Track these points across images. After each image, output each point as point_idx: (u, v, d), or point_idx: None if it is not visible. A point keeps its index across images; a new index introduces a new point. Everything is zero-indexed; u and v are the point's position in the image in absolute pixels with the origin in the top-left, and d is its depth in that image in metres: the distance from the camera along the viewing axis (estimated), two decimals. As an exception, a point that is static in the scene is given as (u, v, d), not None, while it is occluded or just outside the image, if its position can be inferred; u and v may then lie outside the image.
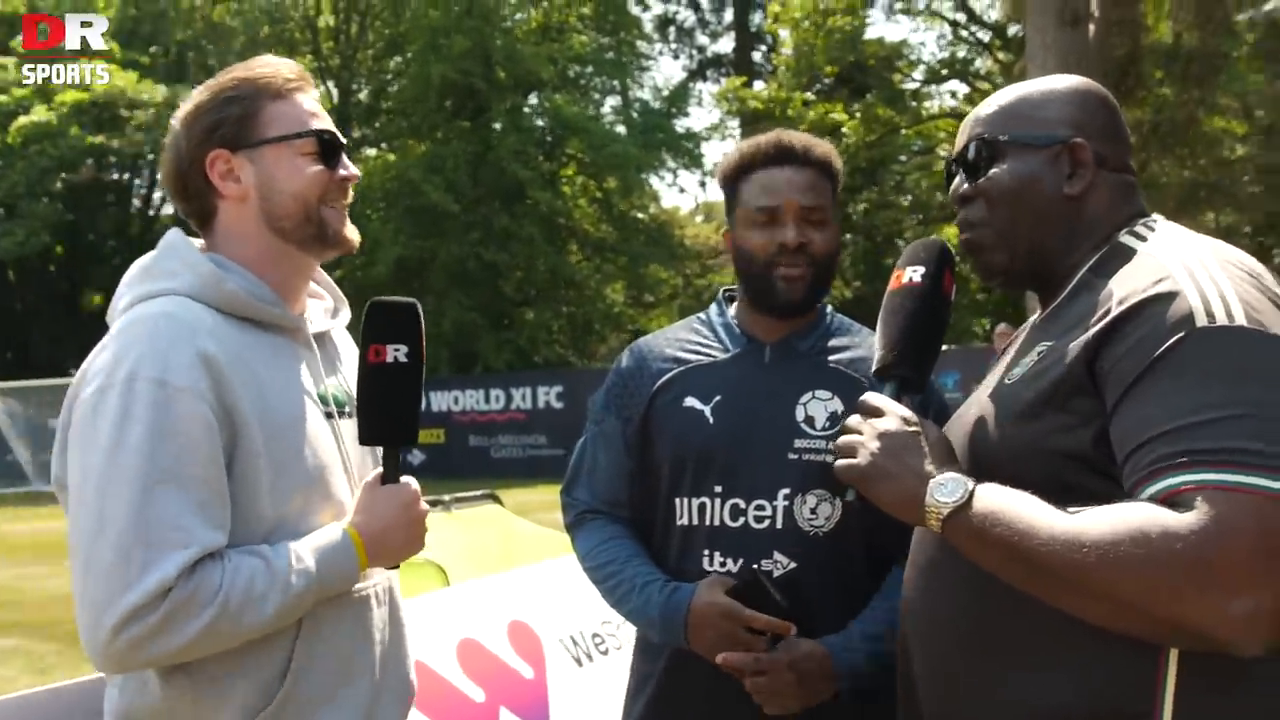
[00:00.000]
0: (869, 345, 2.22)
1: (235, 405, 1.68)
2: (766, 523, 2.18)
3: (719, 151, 45.36)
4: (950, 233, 30.27)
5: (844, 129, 27.03)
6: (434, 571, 4.78)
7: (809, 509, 2.18)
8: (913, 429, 1.63)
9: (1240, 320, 1.41)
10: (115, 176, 34.14)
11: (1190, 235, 1.63)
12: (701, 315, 2.43)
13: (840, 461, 1.67)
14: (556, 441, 21.08)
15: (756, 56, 38.60)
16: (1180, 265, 1.50)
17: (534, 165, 27.82)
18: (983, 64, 30.34)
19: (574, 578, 4.75)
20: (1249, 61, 20.56)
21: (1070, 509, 1.42)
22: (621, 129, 31.55)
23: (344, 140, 1.88)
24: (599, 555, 2.33)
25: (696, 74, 41.87)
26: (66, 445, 1.70)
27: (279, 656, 1.74)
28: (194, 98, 1.85)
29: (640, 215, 32.61)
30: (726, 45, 41.55)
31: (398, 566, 1.90)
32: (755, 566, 2.15)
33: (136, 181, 35.18)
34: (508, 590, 4.18)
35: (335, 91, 32.63)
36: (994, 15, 29.40)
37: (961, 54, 30.44)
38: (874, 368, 1.84)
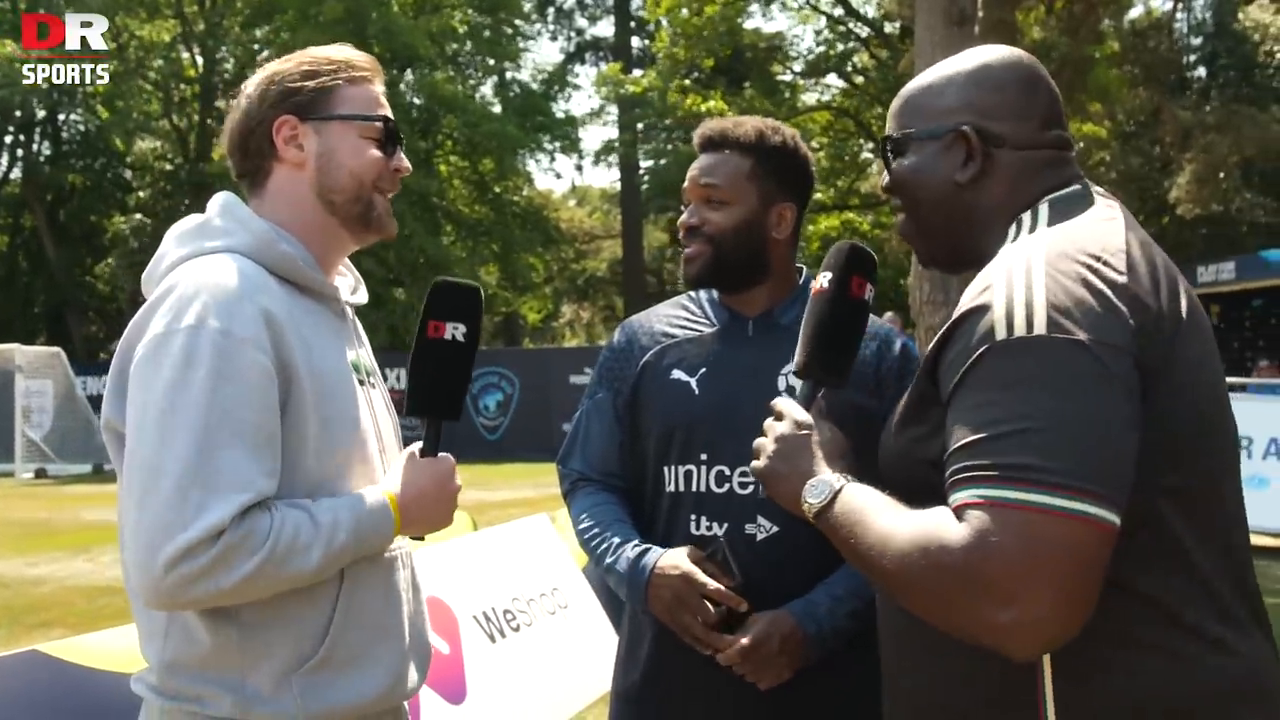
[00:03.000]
0: None
1: (289, 361, 1.73)
2: (750, 488, 2.24)
3: (598, 138, 45.26)
4: (827, 224, 30.98)
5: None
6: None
7: None
8: (804, 432, 1.72)
9: (1039, 329, 1.41)
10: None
11: (1056, 229, 1.59)
12: (690, 293, 2.51)
13: (750, 464, 1.79)
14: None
15: (636, 42, 38.71)
16: (1004, 271, 1.50)
17: (408, 144, 27.32)
18: (860, 59, 30.92)
19: (486, 555, 4.75)
20: (1110, 69, 21.41)
21: (902, 516, 1.47)
22: (498, 109, 31.29)
23: (402, 137, 1.98)
24: (586, 519, 2.39)
25: (575, 57, 41.83)
26: (120, 390, 1.73)
27: (323, 611, 1.79)
28: (270, 67, 1.93)
29: (515, 198, 32.42)
30: (606, 29, 41.65)
31: (423, 537, 1.94)
32: (721, 539, 2.22)
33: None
34: (422, 566, 4.12)
35: (200, 59, 31.62)
36: (870, 11, 29.99)
37: (840, 48, 30.96)
38: (793, 369, 1.93)
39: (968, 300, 1.51)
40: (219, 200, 1.89)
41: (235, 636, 1.72)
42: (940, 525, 1.39)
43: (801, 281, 2.42)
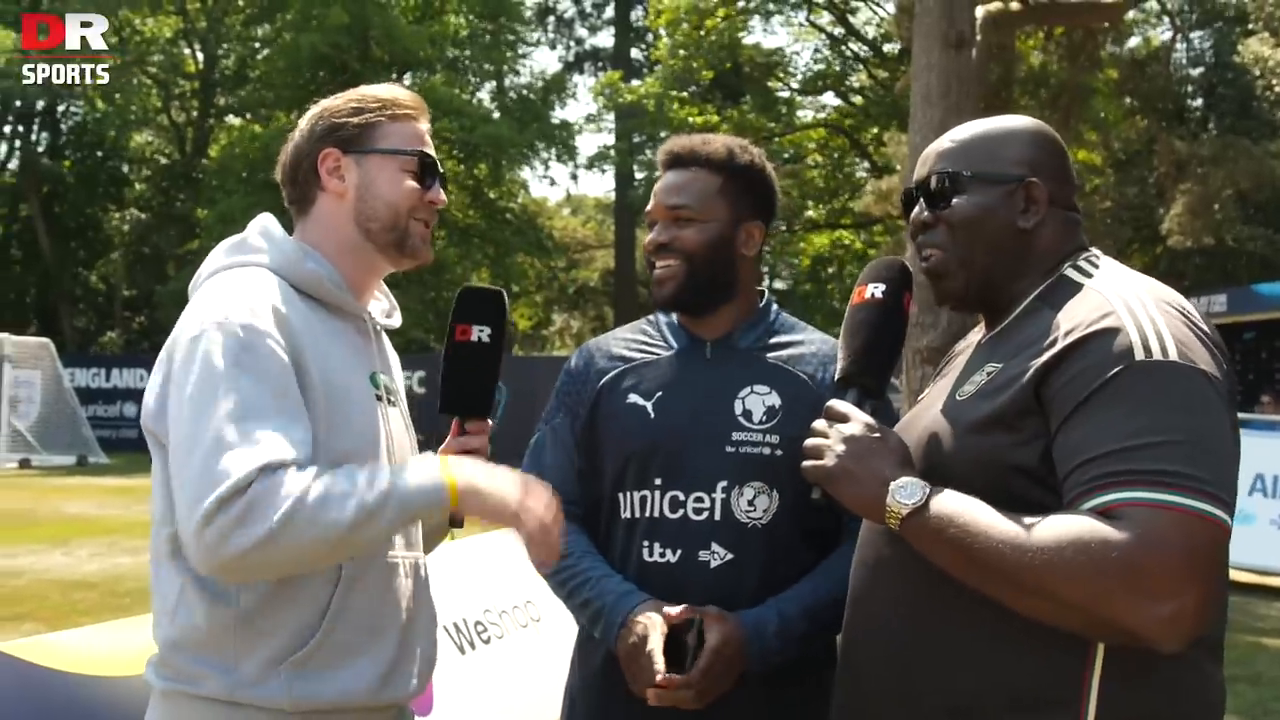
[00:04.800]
0: (811, 341, 2.38)
1: (302, 362, 1.84)
2: (705, 514, 2.22)
3: (593, 145, 45.26)
4: (819, 242, 31.01)
5: (718, 133, 27.25)
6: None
7: (746, 501, 2.22)
8: (876, 435, 1.75)
9: (1173, 356, 1.57)
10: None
11: (1130, 273, 1.78)
12: (650, 317, 2.48)
13: (807, 463, 1.78)
14: (417, 426, 20.74)
15: (635, 53, 38.77)
16: (1122, 302, 1.65)
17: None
18: (857, 79, 30.99)
19: (458, 565, 4.71)
20: (1108, 97, 21.48)
21: (1016, 516, 1.56)
22: (496, 115, 31.30)
23: (442, 169, 2.10)
24: None
25: (574, 66, 41.88)
26: (160, 390, 1.85)
27: (318, 607, 1.86)
28: (324, 103, 2.08)
29: (509, 205, 32.42)
30: (606, 39, 41.69)
31: (461, 524, 1.97)
32: (698, 622, 2.10)
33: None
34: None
35: (200, 56, 31.62)
36: (870, 31, 30.08)
37: (837, 68, 31.03)
38: (837, 376, 1.92)
39: (1083, 325, 1.64)
40: (258, 221, 2.03)
41: (232, 621, 1.81)
42: (1093, 524, 1.49)
43: (762, 304, 2.41)
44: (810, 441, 1.79)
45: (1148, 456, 1.50)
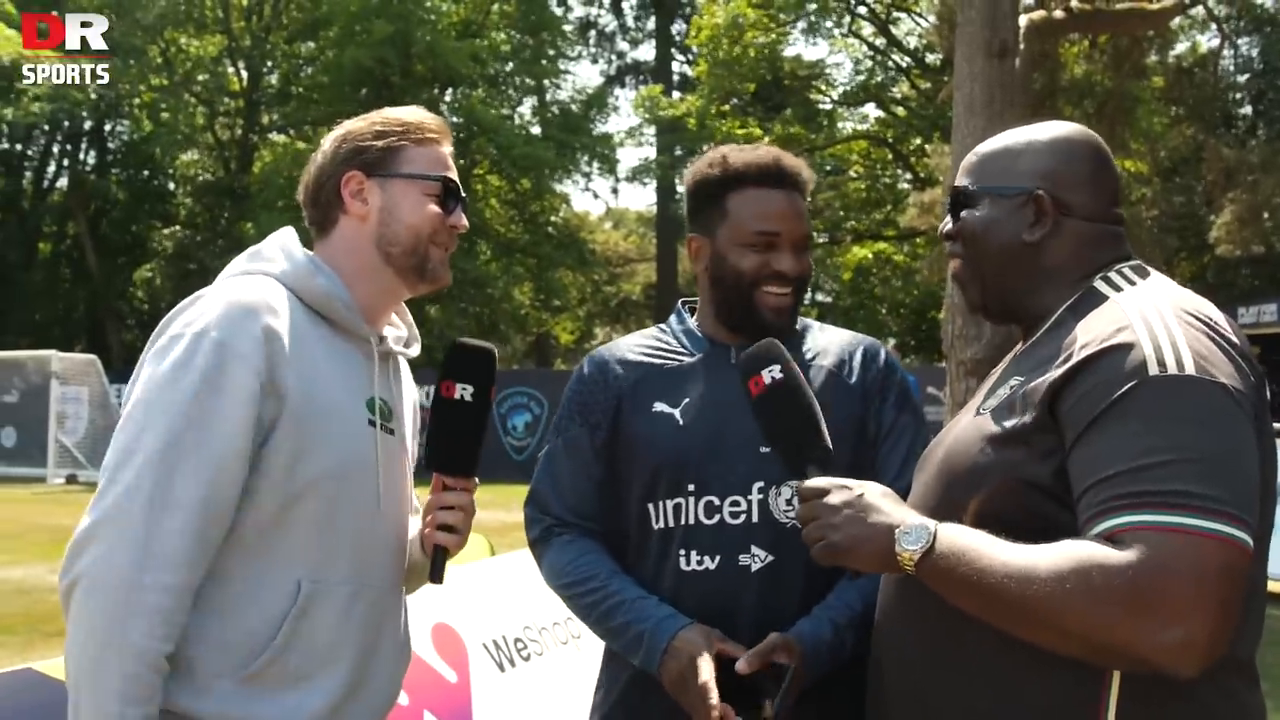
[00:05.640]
0: (827, 335, 2.37)
1: (282, 379, 1.82)
2: (742, 518, 2.17)
3: (635, 157, 45.34)
4: (859, 253, 30.86)
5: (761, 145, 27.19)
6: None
7: (784, 500, 2.17)
8: (857, 494, 1.74)
9: (1189, 370, 1.53)
10: (5, 146, 33.07)
11: (1160, 284, 1.76)
12: (661, 325, 2.43)
13: (815, 548, 1.75)
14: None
15: (677, 66, 38.81)
16: (1139, 316, 1.62)
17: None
18: (899, 90, 30.84)
19: (498, 581, 4.69)
20: (1154, 105, 21.23)
21: (1020, 545, 1.55)
22: (537, 130, 31.40)
23: (464, 194, 2.10)
24: (575, 571, 2.25)
25: (615, 80, 41.97)
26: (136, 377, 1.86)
27: (270, 626, 1.83)
28: (348, 125, 2.07)
29: (551, 219, 32.49)
30: (647, 53, 41.74)
31: (440, 580, 2.00)
32: (791, 668, 2.02)
33: (29, 152, 34.10)
34: (432, 592, 4.06)
35: (245, 74, 31.94)
36: (912, 41, 29.91)
37: (879, 79, 30.91)
38: (789, 465, 1.90)
39: (1097, 340, 1.61)
40: (278, 235, 2.04)
41: (193, 617, 1.77)
42: (1096, 551, 1.47)
43: None
44: (807, 529, 1.77)
45: (1158, 477, 1.47)
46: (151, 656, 1.70)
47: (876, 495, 1.73)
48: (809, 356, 2.30)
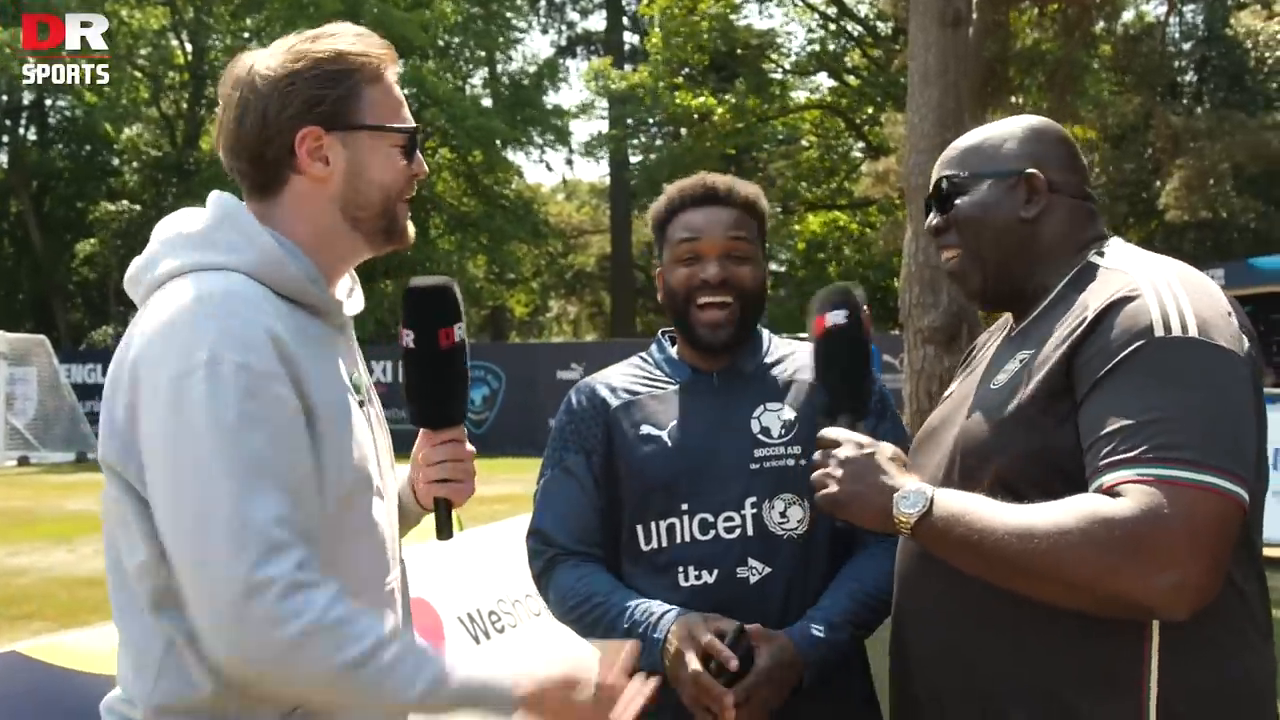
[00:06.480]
0: (806, 353, 2.31)
1: (307, 393, 1.62)
2: (737, 532, 2.20)
3: (586, 132, 45.11)
4: (813, 222, 30.98)
5: (715, 115, 27.20)
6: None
7: (778, 513, 2.22)
8: (869, 451, 1.80)
9: (1193, 332, 1.61)
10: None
11: (1153, 256, 1.82)
12: (643, 355, 2.47)
13: (818, 495, 1.82)
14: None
15: (628, 36, 38.62)
16: (1148, 280, 1.69)
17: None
18: (851, 59, 30.88)
19: (470, 555, 4.71)
20: (1102, 73, 21.43)
21: (1016, 505, 1.61)
22: (488, 101, 31.16)
23: (424, 150, 1.87)
24: (578, 594, 2.25)
25: (566, 51, 41.70)
26: (124, 425, 1.61)
27: None
28: (285, 62, 1.72)
29: (504, 191, 32.31)
30: (598, 23, 41.50)
31: (450, 535, 1.92)
32: (746, 631, 2.07)
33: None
34: (407, 566, 4.07)
35: (190, 47, 31.44)
36: (864, 10, 29.93)
37: (831, 48, 30.93)
38: (820, 411, 1.98)
39: (1103, 297, 1.69)
40: (221, 207, 1.73)
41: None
42: (1099, 504, 1.53)
43: (757, 334, 2.40)
44: (814, 475, 1.83)
45: (1157, 433, 1.54)
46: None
47: (885, 457, 1.78)
48: (789, 370, 2.34)
